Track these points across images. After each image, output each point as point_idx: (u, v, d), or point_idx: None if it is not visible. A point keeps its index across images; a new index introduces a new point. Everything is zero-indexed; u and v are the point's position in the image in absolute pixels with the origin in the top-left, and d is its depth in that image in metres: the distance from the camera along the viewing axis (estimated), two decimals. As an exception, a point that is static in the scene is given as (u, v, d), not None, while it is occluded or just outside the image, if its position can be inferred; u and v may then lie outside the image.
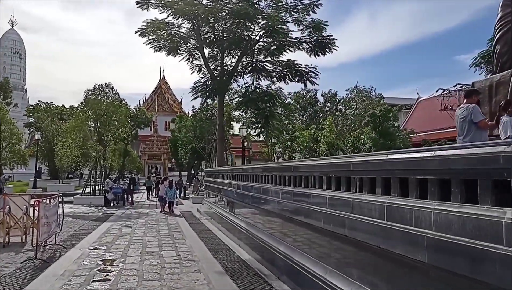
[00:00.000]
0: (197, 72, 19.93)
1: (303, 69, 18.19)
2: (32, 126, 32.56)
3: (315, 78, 18.37)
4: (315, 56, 18.18)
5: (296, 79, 18.25)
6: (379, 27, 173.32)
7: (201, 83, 18.99)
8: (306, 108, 43.15)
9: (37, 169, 38.24)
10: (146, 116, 32.38)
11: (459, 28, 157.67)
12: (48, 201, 8.83)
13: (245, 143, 33.97)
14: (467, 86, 30.87)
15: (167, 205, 18.07)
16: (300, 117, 42.21)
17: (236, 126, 33.27)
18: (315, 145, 32.89)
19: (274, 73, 18.76)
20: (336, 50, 18.15)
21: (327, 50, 17.95)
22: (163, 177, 23.67)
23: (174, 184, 19.39)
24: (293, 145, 31.33)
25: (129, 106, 28.39)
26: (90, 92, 24.32)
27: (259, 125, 18.63)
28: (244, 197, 9.75)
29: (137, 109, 31.80)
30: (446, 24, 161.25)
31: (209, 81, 18.76)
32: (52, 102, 38.42)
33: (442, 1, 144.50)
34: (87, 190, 23.99)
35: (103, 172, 24.67)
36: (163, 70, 73.72)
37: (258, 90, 18.48)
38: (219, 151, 19.06)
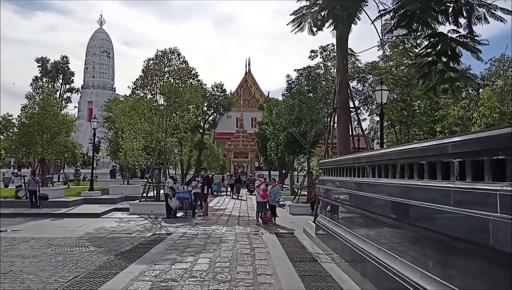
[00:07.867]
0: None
1: None
2: (107, 121, 27.79)
3: None
4: None
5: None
6: None
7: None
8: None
9: (111, 168, 34.33)
10: (226, 96, 25.21)
11: None
12: None
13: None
14: None
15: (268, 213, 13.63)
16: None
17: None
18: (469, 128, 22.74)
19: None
20: None
21: None
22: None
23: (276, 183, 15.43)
24: (433, 129, 21.60)
25: (205, 84, 21.48)
26: (150, 61, 17.90)
27: (433, 69, 8.93)
28: None
29: (215, 88, 24.85)
30: None
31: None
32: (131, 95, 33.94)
33: None
34: (150, 194, 17.64)
35: (167, 170, 17.98)
36: (249, 63, 68.29)
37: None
38: (341, 129, 10.44)
